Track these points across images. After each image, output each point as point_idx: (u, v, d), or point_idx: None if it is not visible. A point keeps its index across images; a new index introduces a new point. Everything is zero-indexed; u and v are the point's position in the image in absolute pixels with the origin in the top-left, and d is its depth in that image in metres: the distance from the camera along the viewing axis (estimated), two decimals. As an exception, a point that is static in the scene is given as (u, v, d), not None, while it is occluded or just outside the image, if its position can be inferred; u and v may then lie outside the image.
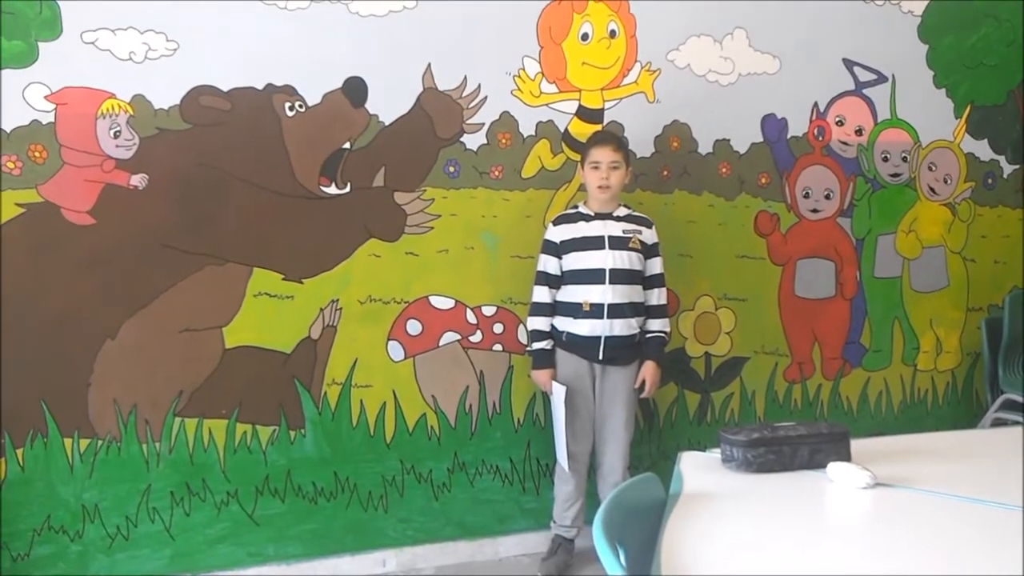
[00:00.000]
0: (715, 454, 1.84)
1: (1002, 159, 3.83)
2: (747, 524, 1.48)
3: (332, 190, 3.00)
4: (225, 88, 2.87)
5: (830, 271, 3.64)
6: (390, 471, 3.14)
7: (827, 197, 3.60)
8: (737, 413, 3.55)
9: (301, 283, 3.00)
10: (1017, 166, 3.85)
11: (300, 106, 2.95)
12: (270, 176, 2.94)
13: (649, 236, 3.04)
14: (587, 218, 3.01)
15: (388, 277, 3.08)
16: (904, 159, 3.69)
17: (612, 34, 3.27)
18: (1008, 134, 3.82)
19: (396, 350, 3.11)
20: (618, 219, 3.02)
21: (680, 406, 3.48)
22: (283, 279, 2.98)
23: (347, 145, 3.01)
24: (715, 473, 1.73)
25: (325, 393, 3.05)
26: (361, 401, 3.09)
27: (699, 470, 1.73)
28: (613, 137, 3.06)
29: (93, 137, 2.77)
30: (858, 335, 3.69)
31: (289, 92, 2.94)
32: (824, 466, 1.68)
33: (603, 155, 2.96)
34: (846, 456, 1.74)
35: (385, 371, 3.10)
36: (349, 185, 3.02)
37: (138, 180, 2.82)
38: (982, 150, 3.80)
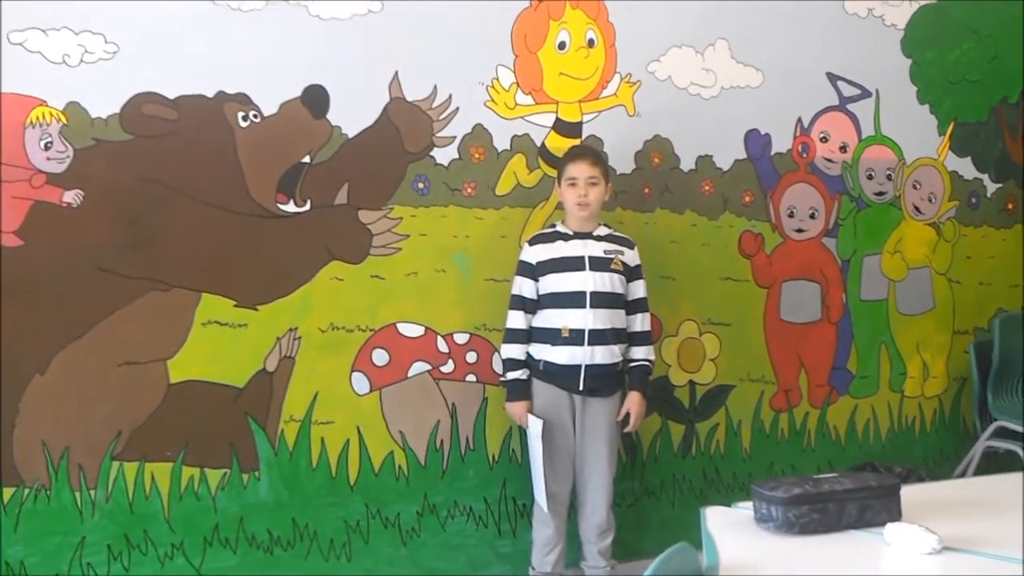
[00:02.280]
0: (743, 511, 1.61)
1: (985, 177, 3.72)
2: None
3: (290, 208, 2.75)
4: (171, 95, 2.63)
5: (816, 294, 3.48)
6: (354, 516, 2.87)
7: (812, 216, 3.45)
8: (723, 445, 3.35)
9: (255, 310, 2.74)
10: (1000, 185, 3.75)
11: (255, 116, 2.71)
12: (221, 192, 2.68)
13: (631, 257, 2.85)
14: (565, 237, 2.81)
15: (352, 303, 2.83)
16: (889, 177, 3.56)
17: (590, 43, 3.08)
18: (991, 152, 3.72)
19: (360, 382, 2.86)
20: (599, 239, 2.82)
21: (664, 438, 3.27)
22: (235, 306, 2.71)
23: (307, 159, 2.77)
24: (751, 536, 1.50)
25: (282, 431, 2.78)
26: (322, 439, 2.82)
27: (731, 532, 1.50)
28: (590, 151, 2.87)
29: (21, 149, 2.50)
30: (844, 360, 3.53)
31: (242, 101, 2.69)
32: (874, 524, 1.47)
33: (580, 171, 2.76)
34: (897, 512, 1.53)
35: (348, 406, 2.84)
36: (309, 202, 2.77)
37: (72, 197, 2.54)
38: (966, 168, 3.69)
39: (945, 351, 3.70)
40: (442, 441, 2.96)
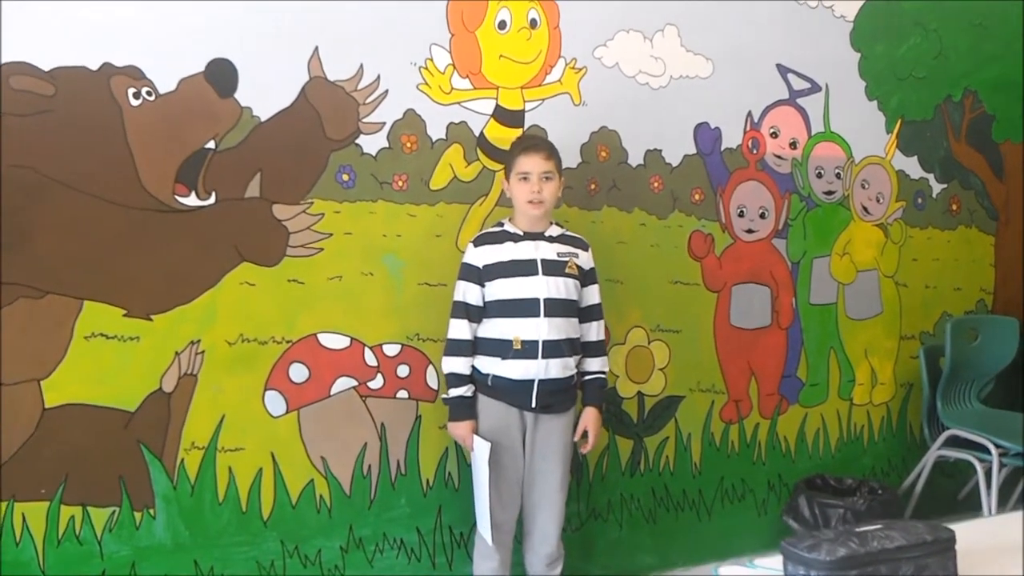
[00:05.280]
0: (770, 572, 1.33)
1: (931, 177, 3.62)
2: None
3: (192, 201, 2.38)
4: (46, 67, 2.22)
5: (766, 298, 3.29)
6: (268, 555, 2.50)
7: (762, 216, 3.26)
8: (672, 461, 3.12)
9: (149, 320, 2.35)
10: (945, 185, 3.65)
11: (148, 93, 2.32)
12: (108, 182, 2.29)
13: (586, 260, 2.58)
14: (515, 238, 2.51)
15: (265, 311, 2.48)
16: (838, 175, 3.40)
17: (533, 24, 2.80)
18: (936, 151, 3.62)
19: (276, 402, 2.50)
20: (551, 239, 2.54)
21: (612, 455, 3.01)
22: (125, 315, 2.32)
23: (211, 144, 2.40)
24: (790, 610, 1.22)
25: (182, 461, 2.40)
26: (230, 469, 2.45)
27: (765, 604, 1.22)
28: (544, 143, 2.58)
29: None
30: (795, 368, 3.36)
31: (134, 75, 2.31)
32: (933, 588, 1.22)
33: (534, 164, 2.48)
34: (954, 570, 1.28)
35: (261, 429, 2.48)
36: (214, 195, 2.41)
37: (-81, 184, 2.11)
38: (912, 167, 3.58)
39: (893, 356, 3.58)
40: (369, 466, 2.63)
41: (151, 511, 2.37)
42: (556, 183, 2.52)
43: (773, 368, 3.32)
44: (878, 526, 1.29)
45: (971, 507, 3.57)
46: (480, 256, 2.49)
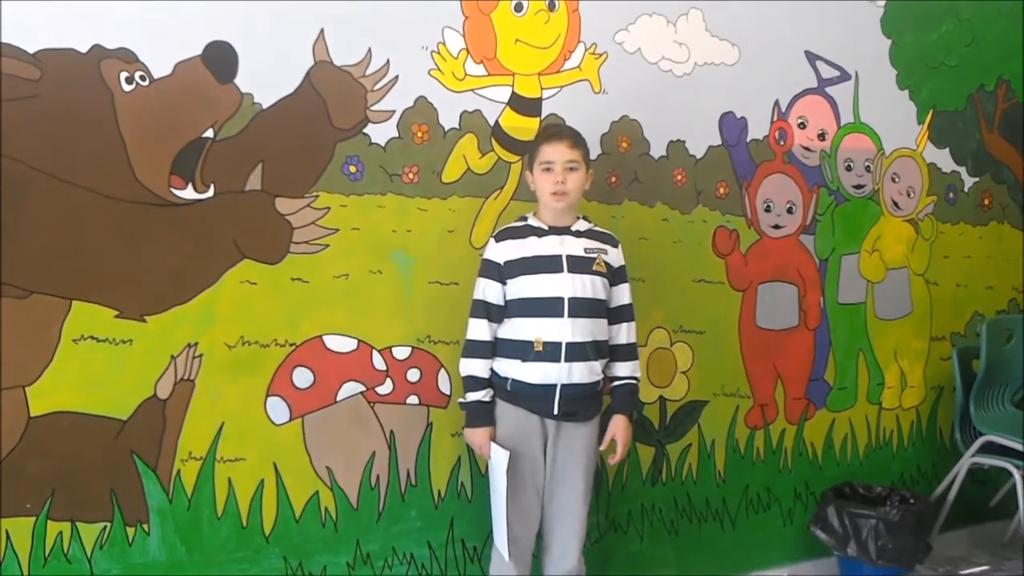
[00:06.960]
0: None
1: (963, 171, 3.46)
2: None
3: (188, 194, 2.22)
4: (31, 49, 2.06)
5: (793, 297, 3.13)
6: (270, 572, 2.35)
7: (789, 211, 3.10)
8: (695, 469, 2.97)
9: (143, 321, 2.19)
10: (976, 179, 3.49)
11: (142, 78, 2.16)
12: (98, 173, 2.13)
13: (615, 257, 2.43)
14: (539, 233, 2.36)
15: (267, 311, 2.32)
16: (867, 168, 3.24)
17: (551, 6, 2.65)
18: (968, 143, 3.46)
19: (278, 409, 2.35)
20: (578, 234, 2.39)
21: (632, 463, 2.86)
22: (117, 317, 2.16)
23: (209, 133, 2.24)
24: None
25: (178, 472, 2.24)
26: (229, 480, 2.30)
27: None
28: (569, 131, 2.42)
29: None
30: (822, 370, 3.20)
31: (126, 58, 2.15)
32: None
33: (557, 153, 2.33)
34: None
35: (263, 438, 2.33)
36: (212, 187, 2.25)
37: None
38: (944, 160, 3.42)
39: (923, 358, 3.42)
40: (378, 477, 2.47)
41: (145, 526, 2.21)
42: (582, 174, 2.36)
43: (800, 371, 3.17)
44: (984, 567, 1.13)
45: (1001, 515, 3.44)
46: (501, 252, 2.34)
